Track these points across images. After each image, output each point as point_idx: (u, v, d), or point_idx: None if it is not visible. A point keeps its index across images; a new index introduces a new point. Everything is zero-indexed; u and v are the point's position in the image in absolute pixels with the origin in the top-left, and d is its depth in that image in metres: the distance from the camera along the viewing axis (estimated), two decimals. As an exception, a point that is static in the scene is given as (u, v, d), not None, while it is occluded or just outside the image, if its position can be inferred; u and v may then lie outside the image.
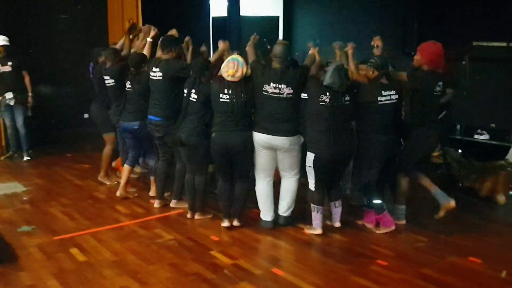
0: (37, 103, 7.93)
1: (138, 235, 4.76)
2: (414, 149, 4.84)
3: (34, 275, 3.90)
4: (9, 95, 7.59)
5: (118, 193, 5.86)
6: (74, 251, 4.37)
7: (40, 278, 3.85)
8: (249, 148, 4.71)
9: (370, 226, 4.88)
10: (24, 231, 4.84)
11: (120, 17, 8.36)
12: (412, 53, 4.98)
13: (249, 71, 4.66)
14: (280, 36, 12.10)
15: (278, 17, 12.32)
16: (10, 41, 7.67)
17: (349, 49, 4.70)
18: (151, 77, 5.24)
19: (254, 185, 4.93)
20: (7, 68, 7.63)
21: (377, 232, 4.81)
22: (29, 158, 7.85)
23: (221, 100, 4.61)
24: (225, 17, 10.92)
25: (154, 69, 5.18)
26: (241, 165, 4.77)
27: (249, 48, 4.93)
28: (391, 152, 4.74)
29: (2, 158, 7.96)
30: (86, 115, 9.35)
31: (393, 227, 4.80)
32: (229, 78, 4.54)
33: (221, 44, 5.30)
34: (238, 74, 4.53)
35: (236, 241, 4.61)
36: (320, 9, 10.43)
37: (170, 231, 4.84)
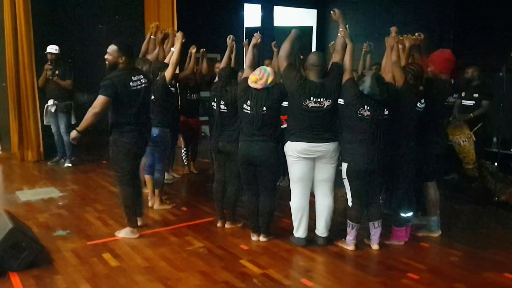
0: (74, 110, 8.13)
1: (169, 242, 4.81)
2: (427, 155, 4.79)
3: (68, 278, 3.98)
4: (50, 102, 7.90)
5: (149, 203, 5.93)
6: (107, 256, 4.44)
7: (74, 282, 3.92)
8: (273, 160, 4.58)
9: (401, 243, 4.76)
10: (59, 235, 4.94)
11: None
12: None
13: (273, 80, 4.52)
14: (314, 47, 12.15)
15: (311, 27, 12.38)
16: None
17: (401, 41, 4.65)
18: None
19: (289, 198, 4.73)
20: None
21: (386, 242, 4.73)
22: (69, 165, 8.06)
23: (244, 110, 4.59)
24: (258, 27, 11.02)
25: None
26: (264, 177, 4.64)
27: (285, 44, 4.64)
28: (418, 159, 4.63)
29: (49, 163, 8.25)
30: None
31: (402, 243, 4.74)
32: (252, 85, 4.50)
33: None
34: (262, 81, 4.46)
35: (266, 251, 4.61)
36: (355, 19, 10.39)
37: (201, 239, 4.87)
